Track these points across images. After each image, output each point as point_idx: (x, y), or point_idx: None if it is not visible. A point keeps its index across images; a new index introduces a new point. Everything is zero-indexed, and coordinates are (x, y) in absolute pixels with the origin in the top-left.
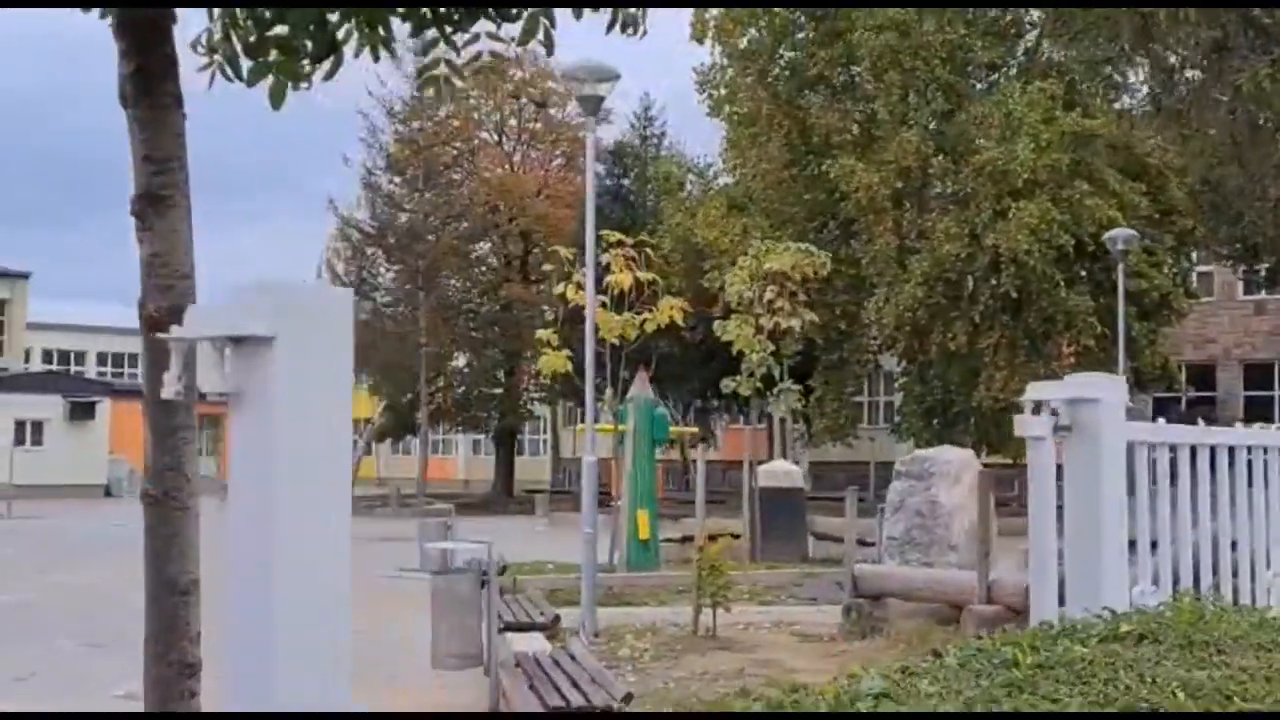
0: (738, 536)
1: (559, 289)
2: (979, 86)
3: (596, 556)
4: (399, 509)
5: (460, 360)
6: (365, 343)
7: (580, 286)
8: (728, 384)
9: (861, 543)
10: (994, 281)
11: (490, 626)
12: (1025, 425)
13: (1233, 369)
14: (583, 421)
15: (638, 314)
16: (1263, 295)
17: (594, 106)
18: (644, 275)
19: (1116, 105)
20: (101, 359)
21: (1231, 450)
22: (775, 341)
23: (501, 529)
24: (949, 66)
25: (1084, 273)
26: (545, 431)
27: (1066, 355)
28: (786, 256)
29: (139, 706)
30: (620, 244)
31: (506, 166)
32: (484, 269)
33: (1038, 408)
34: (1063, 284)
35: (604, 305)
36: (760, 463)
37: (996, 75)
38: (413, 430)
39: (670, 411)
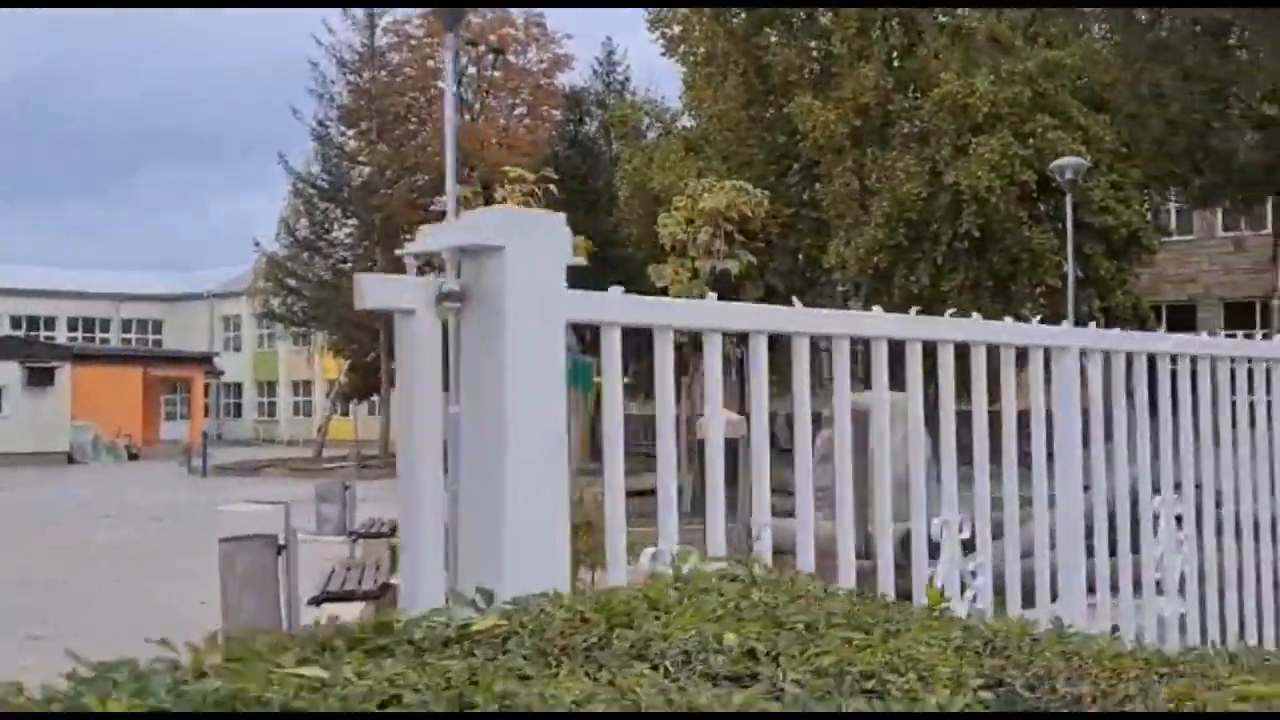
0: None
1: None
2: (940, 18)
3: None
4: (360, 470)
5: None
6: (323, 301)
7: None
8: None
9: None
10: (956, 221)
11: (292, 598)
12: (377, 291)
13: (1213, 308)
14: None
15: None
16: (1244, 232)
17: (453, 21)
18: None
19: (1084, 37)
20: (72, 324)
21: (896, 343)
22: (716, 287)
23: None
24: None
25: (1049, 211)
26: None
27: (1038, 296)
28: (721, 196)
29: None
30: (520, 179)
31: (466, 116)
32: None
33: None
34: (1028, 222)
35: None
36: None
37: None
38: (377, 390)
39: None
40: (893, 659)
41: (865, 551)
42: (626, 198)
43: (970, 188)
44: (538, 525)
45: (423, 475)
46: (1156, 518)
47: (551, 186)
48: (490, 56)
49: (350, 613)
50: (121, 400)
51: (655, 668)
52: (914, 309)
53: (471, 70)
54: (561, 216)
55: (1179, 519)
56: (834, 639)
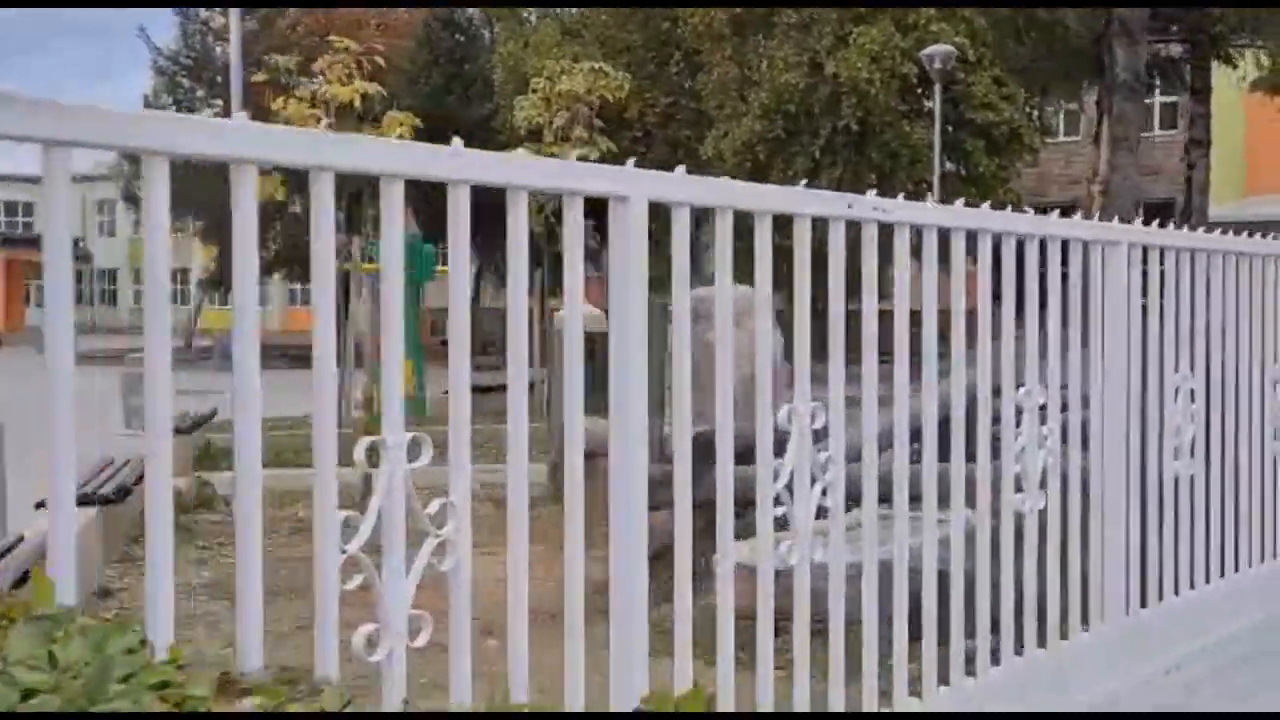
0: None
1: (277, 104)
2: None
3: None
4: (222, 361)
5: (298, 205)
6: (189, 184)
7: (302, 100)
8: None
9: None
10: (836, 114)
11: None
12: None
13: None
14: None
15: (360, 133)
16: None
17: None
18: (363, 86)
19: None
20: None
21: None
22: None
23: (303, 383)
24: None
25: (931, 106)
26: None
27: (923, 192)
28: (580, 78)
29: None
30: (346, 50)
31: None
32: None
33: None
34: (909, 116)
35: (319, 121)
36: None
37: None
38: None
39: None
40: None
41: (661, 455)
42: (501, 82)
43: (850, 79)
44: None
45: None
46: (785, 433)
47: (379, 59)
48: None
49: (83, 518)
50: None
51: None
52: None
53: None
54: None
55: (819, 434)
56: None
